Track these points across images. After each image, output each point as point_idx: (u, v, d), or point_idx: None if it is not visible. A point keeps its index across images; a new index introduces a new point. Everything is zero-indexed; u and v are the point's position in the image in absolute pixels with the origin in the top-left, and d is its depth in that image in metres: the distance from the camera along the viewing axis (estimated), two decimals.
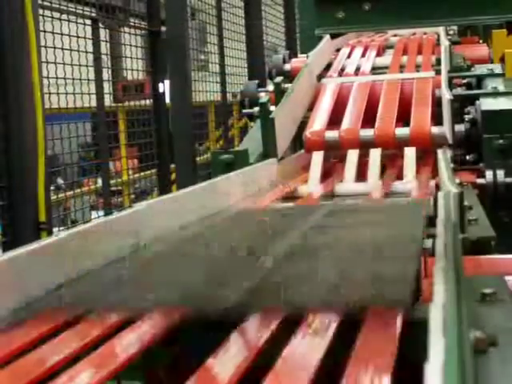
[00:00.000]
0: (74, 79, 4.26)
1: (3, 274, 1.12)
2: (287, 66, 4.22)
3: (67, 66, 4.18)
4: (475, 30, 6.04)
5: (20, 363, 0.88)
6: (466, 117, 3.17)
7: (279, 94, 3.45)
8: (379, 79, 3.57)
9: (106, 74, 4.83)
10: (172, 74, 5.46)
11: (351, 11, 4.69)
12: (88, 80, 4.46)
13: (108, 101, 5.04)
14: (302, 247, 1.46)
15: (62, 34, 4.08)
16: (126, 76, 5.57)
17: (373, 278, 1.12)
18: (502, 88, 3.34)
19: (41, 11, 3.83)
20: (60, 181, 5.70)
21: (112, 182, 5.20)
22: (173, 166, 5.60)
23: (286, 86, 3.55)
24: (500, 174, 2.86)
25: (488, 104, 3.16)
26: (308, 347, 0.89)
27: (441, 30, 4.71)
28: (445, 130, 2.96)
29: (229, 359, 0.87)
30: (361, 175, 2.92)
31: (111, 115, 5.41)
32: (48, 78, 3.95)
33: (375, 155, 2.86)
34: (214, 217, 1.88)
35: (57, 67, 4.08)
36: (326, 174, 2.95)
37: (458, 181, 2.11)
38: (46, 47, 3.83)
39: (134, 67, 5.26)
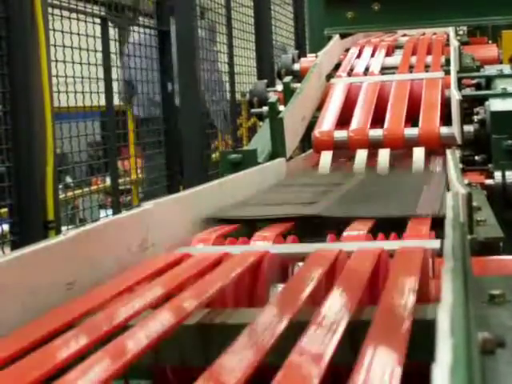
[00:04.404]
0: (83, 78, 4.27)
1: (11, 273, 1.12)
2: (296, 66, 4.21)
3: (76, 65, 4.18)
4: (484, 30, 6.03)
5: (27, 360, 0.88)
6: (475, 117, 3.17)
7: (288, 94, 3.45)
8: (388, 79, 3.56)
9: (115, 73, 4.83)
10: (181, 73, 5.46)
11: (361, 11, 4.70)
12: (97, 79, 4.46)
13: (117, 100, 5.05)
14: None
15: (71, 33, 4.09)
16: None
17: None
18: (511, 89, 3.33)
19: (50, 10, 3.84)
20: (68, 179, 5.70)
21: (120, 181, 5.20)
22: None
23: (295, 85, 3.54)
24: (509, 174, 2.86)
25: (497, 105, 3.15)
26: None
27: (450, 30, 4.70)
28: (454, 130, 2.95)
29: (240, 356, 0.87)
30: None
31: (120, 114, 5.41)
32: (57, 76, 3.95)
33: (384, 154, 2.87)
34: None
35: (66, 66, 4.09)
36: None
37: (466, 181, 2.10)
38: (55, 46, 3.84)
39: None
